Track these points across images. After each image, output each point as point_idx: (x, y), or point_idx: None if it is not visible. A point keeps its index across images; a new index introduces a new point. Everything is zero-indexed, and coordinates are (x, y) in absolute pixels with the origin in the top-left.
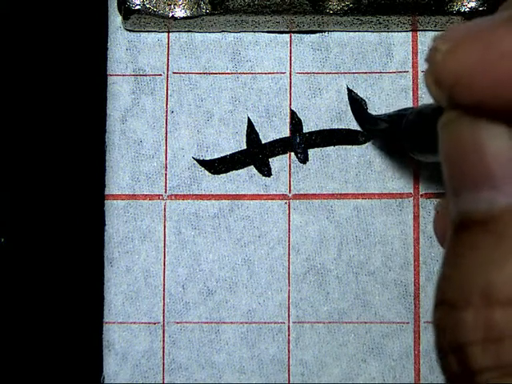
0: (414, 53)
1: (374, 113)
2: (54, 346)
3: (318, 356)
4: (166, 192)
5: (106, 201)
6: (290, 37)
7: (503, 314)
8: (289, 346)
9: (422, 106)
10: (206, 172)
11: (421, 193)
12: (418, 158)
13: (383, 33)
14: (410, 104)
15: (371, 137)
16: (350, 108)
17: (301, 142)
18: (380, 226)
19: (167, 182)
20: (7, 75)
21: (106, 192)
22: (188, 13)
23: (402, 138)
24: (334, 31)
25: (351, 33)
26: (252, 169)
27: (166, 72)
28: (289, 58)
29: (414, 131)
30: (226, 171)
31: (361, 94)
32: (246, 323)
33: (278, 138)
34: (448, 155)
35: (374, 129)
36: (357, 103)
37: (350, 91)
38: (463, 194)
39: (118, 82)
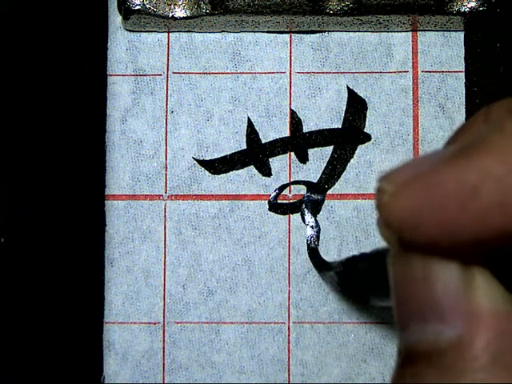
0: (414, 53)
1: (373, 116)
2: (54, 346)
3: (318, 356)
4: (166, 192)
5: (106, 201)
6: (290, 37)
7: None
8: (289, 346)
9: (374, 251)
10: (206, 172)
11: None
12: (374, 304)
13: (383, 33)
14: (410, 104)
15: (324, 280)
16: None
17: (301, 141)
18: None
19: (167, 182)
20: (7, 75)
21: (107, 192)
22: (188, 13)
23: (355, 283)
24: (333, 31)
25: (351, 33)
26: (252, 169)
27: (166, 72)
28: (289, 58)
29: (366, 276)
30: (226, 171)
31: (361, 94)
32: (246, 323)
33: (278, 137)
34: (397, 288)
35: (328, 273)
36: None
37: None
38: (410, 327)
39: (118, 82)
